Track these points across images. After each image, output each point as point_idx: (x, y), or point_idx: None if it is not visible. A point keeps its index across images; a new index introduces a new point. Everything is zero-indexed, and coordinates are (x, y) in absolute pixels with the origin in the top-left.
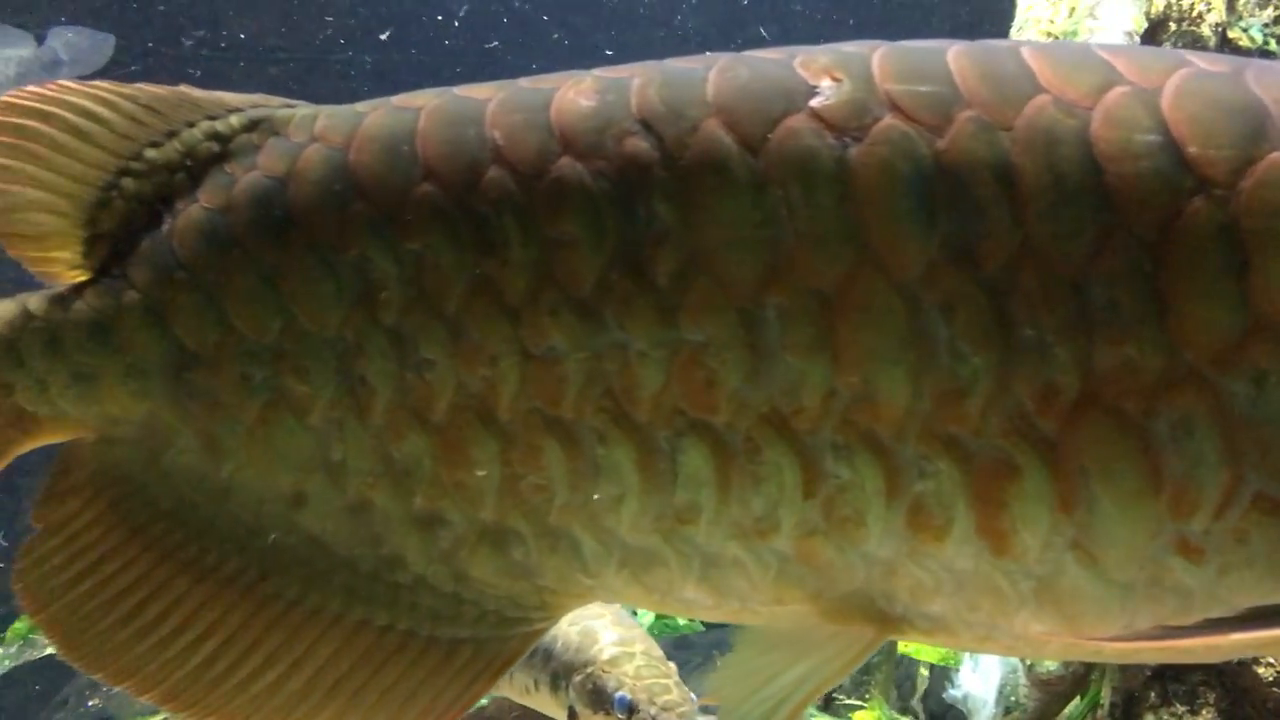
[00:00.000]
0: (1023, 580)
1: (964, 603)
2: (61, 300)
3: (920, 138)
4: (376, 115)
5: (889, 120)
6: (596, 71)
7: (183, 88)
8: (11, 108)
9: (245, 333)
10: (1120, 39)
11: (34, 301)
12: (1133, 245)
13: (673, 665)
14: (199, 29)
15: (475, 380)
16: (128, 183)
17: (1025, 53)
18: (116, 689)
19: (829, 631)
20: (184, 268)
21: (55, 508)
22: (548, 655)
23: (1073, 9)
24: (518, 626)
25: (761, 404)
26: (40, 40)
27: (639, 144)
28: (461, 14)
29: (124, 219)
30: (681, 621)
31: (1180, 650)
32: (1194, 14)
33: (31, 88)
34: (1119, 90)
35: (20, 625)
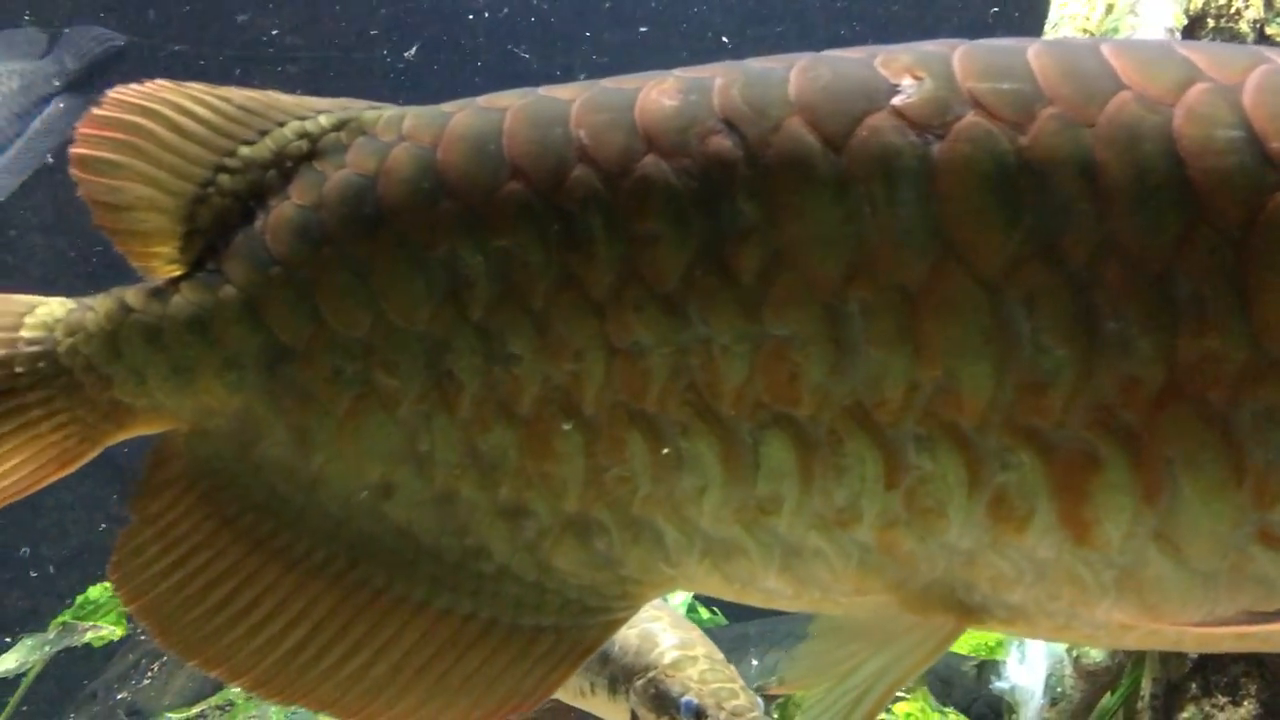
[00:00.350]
0: (1105, 570)
1: (1044, 592)
2: (159, 294)
3: (1003, 134)
4: (463, 115)
5: (972, 117)
6: (677, 72)
7: (270, 91)
8: (120, 104)
9: (337, 327)
10: (1161, 36)
11: (131, 295)
12: (1216, 239)
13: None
14: (217, 26)
15: (561, 374)
16: (224, 179)
17: (1105, 50)
18: (213, 676)
19: (909, 622)
20: (278, 263)
21: (151, 499)
22: (605, 658)
23: (1111, 6)
24: (599, 615)
25: (844, 397)
26: (52, 42)
27: (722, 142)
28: (484, 14)
29: (220, 215)
30: (704, 615)
31: (1262, 636)
32: (1232, 10)
33: (134, 85)
34: (1200, 86)
35: (65, 616)
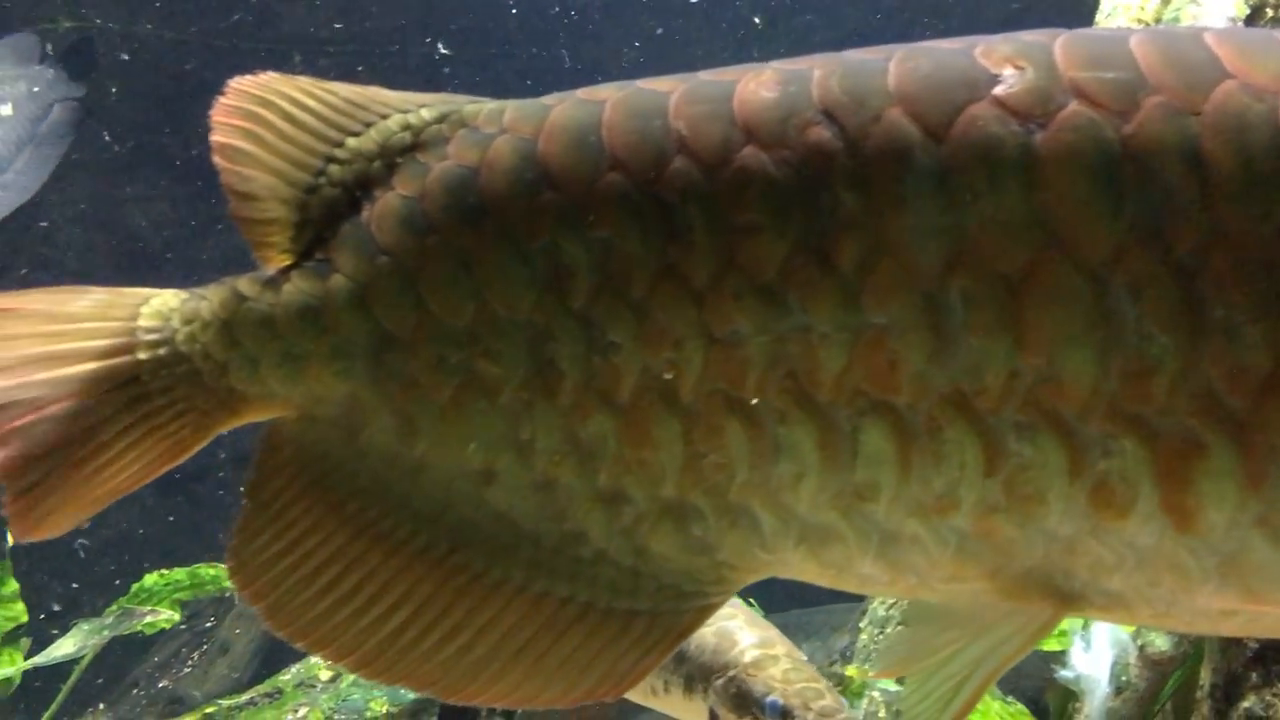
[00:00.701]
0: (1207, 556)
1: (1145, 579)
2: (271, 283)
3: (1107, 123)
4: (563, 107)
5: (1075, 106)
6: (775, 64)
7: (373, 86)
8: (242, 94)
9: (441, 316)
10: (1224, 25)
11: (244, 284)
12: None
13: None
14: (248, 19)
15: (660, 362)
16: (333, 170)
17: (1209, 38)
18: (321, 658)
19: (1006, 609)
20: (384, 253)
21: (262, 485)
22: (680, 657)
23: None
24: (694, 600)
25: (944, 384)
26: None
27: (822, 133)
28: (513, 10)
29: (329, 205)
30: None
31: None
32: None
33: (249, 77)
34: None
35: (118, 604)
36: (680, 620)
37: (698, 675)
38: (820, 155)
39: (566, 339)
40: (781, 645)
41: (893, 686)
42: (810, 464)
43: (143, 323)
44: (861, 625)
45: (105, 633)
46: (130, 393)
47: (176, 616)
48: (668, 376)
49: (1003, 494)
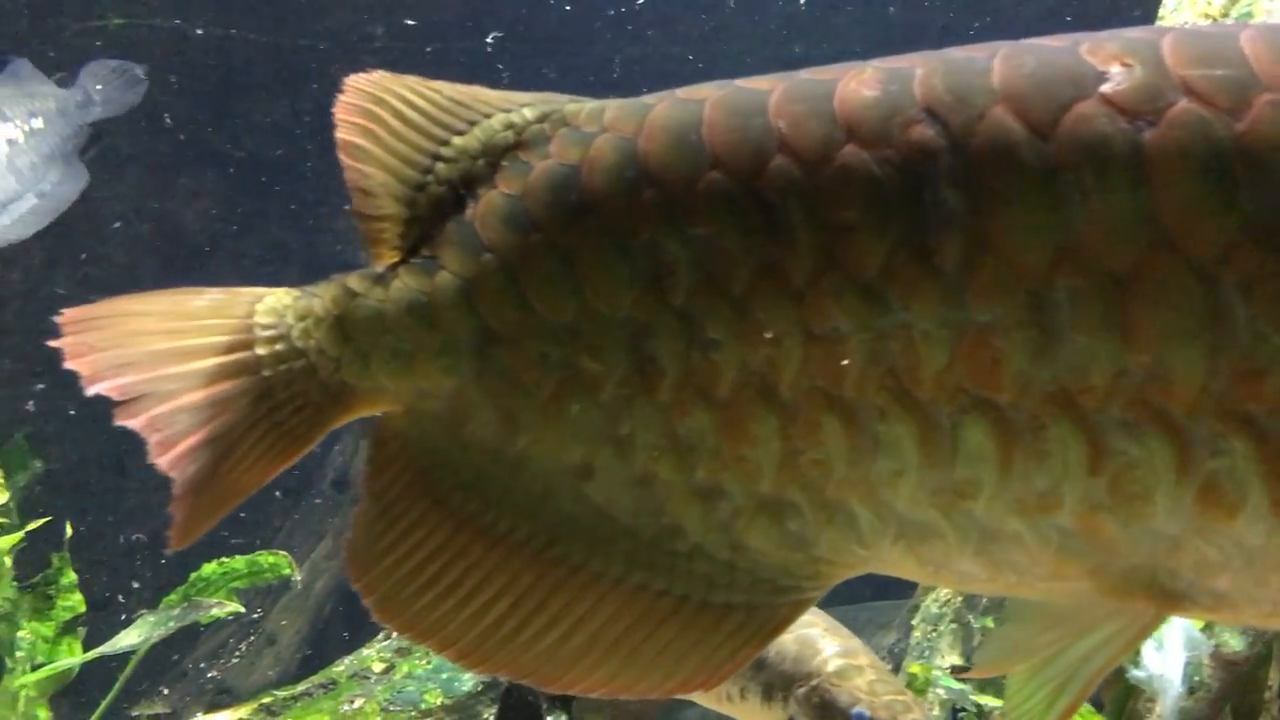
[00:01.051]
0: None
1: (1251, 579)
2: (380, 280)
3: (1218, 121)
4: (664, 106)
5: (1184, 104)
6: (875, 62)
7: (475, 86)
8: (359, 93)
9: (543, 313)
10: None
11: (355, 281)
12: None
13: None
14: (292, 16)
15: (759, 359)
16: (440, 168)
17: None
18: (425, 647)
19: (1107, 609)
20: (489, 250)
21: (375, 479)
22: (759, 663)
23: None
24: (789, 594)
25: (1048, 382)
26: (71, 79)
27: (925, 131)
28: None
29: (435, 203)
30: None
31: None
32: None
33: (362, 76)
34: None
35: (176, 594)
36: (775, 615)
37: (777, 683)
38: (923, 153)
39: (666, 335)
40: (865, 655)
41: (956, 685)
42: (910, 461)
43: (259, 319)
44: (914, 622)
45: (170, 624)
46: (253, 386)
47: (240, 608)
48: (766, 373)
49: (1107, 492)
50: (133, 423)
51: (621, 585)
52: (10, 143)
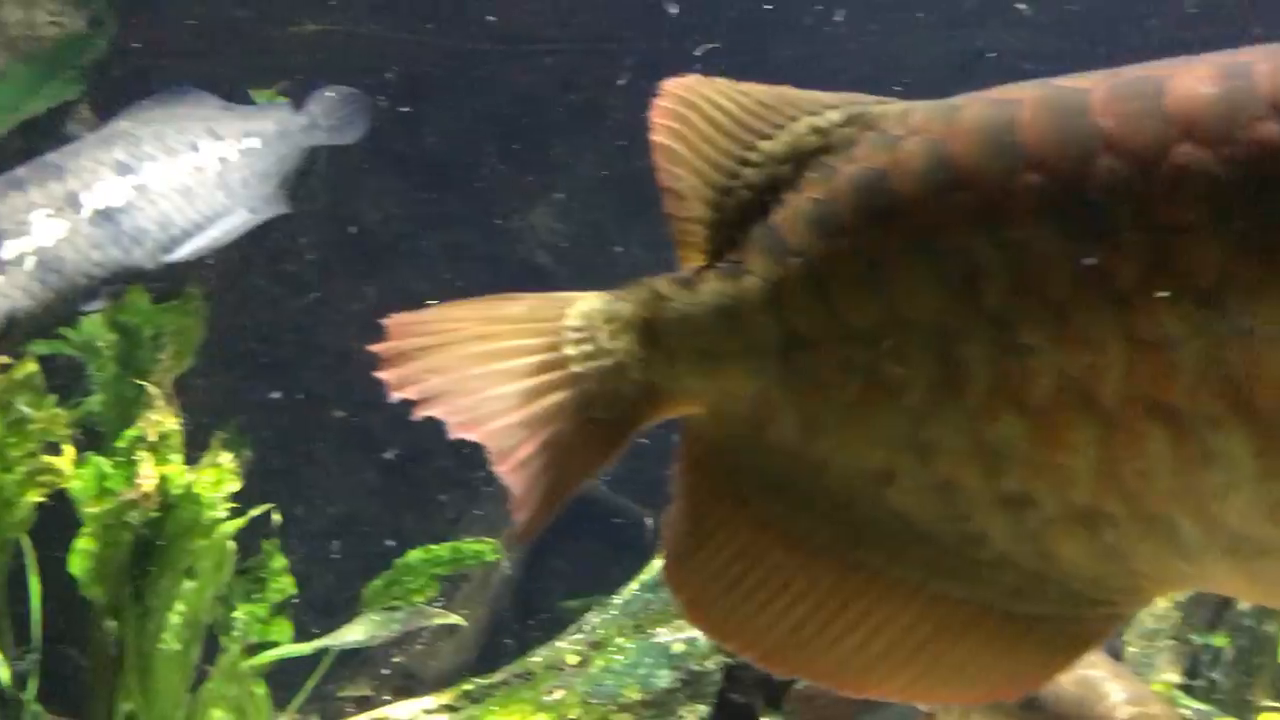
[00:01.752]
0: None
1: None
2: (687, 283)
3: None
4: (975, 108)
5: None
6: (1206, 57)
7: (785, 87)
8: (673, 96)
9: (849, 317)
10: None
11: (662, 285)
12: None
13: None
14: (477, 20)
15: (1078, 365)
16: (747, 173)
17: None
18: (728, 648)
19: None
20: (795, 255)
21: (685, 478)
22: (1031, 704)
23: None
24: (1101, 608)
25: None
26: (299, 102)
27: (1272, 129)
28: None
29: (741, 207)
30: None
31: None
32: None
33: (677, 79)
34: None
35: (380, 580)
36: (1086, 628)
37: None
38: (1269, 153)
39: (976, 341)
40: (1157, 704)
41: (1199, 704)
42: (1245, 473)
43: (569, 322)
44: (1128, 638)
45: (395, 627)
46: (567, 382)
47: (464, 622)
48: (1086, 380)
49: None
50: (458, 428)
51: (920, 593)
52: (222, 160)
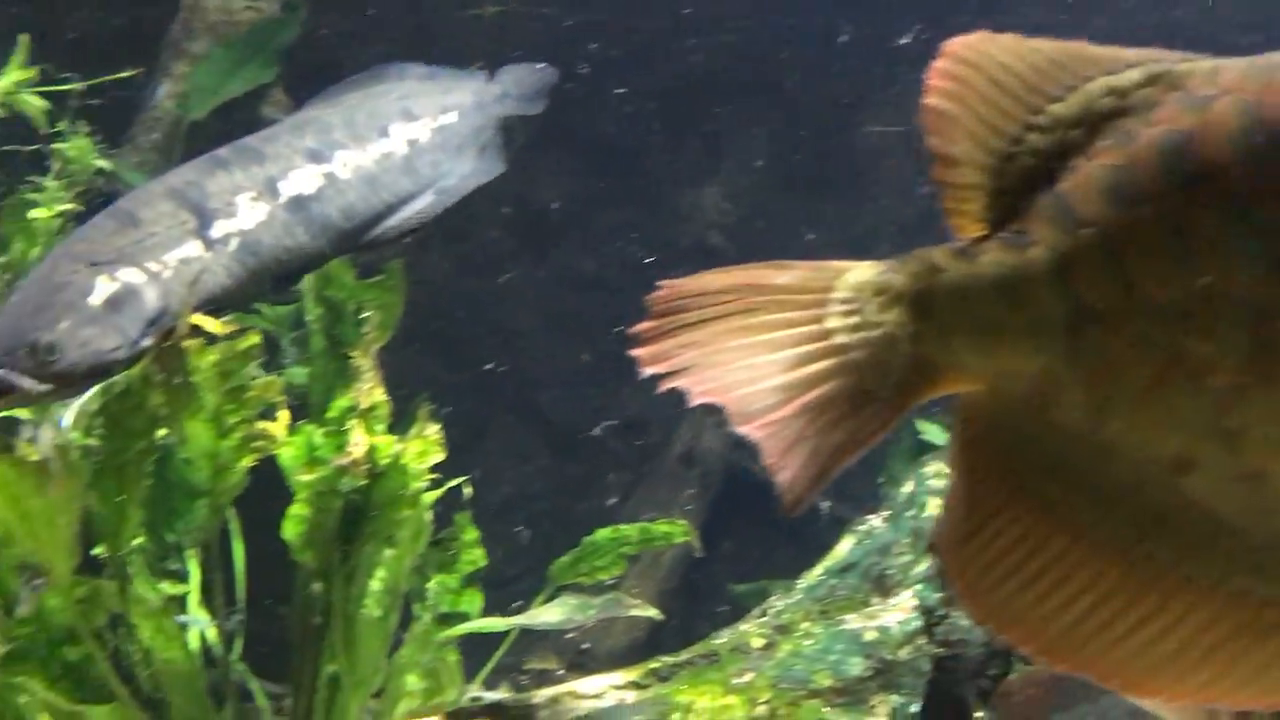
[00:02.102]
0: None
1: None
2: (965, 254)
3: None
4: None
5: None
6: None
7: (1081, 43)
8: (954, 56)
9: (1148, 291)
10: None
11: (939, 255)
12: None
13: None
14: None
15: None
16: (1033, 138)
17: None
18: (1005, 638)
19: None
20: (1088, 225)
21: (962, 457)
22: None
23: None
24: None
25: None
26: (491, 74)
27: None
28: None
29: (1025, 174)
30: None
31: None
32: None
33: (961, 38)
34: None
35: (567, 558)
36: None
37: None
38: None
39: None
40: None
41: None
42: None
43: (838, 294)
44: None
45: (591, 612)
46: (832, 355)
47: (660, 616)
48: None
49: None
50: (701, 395)
51: (1219, 589)
52: (411, 143)
